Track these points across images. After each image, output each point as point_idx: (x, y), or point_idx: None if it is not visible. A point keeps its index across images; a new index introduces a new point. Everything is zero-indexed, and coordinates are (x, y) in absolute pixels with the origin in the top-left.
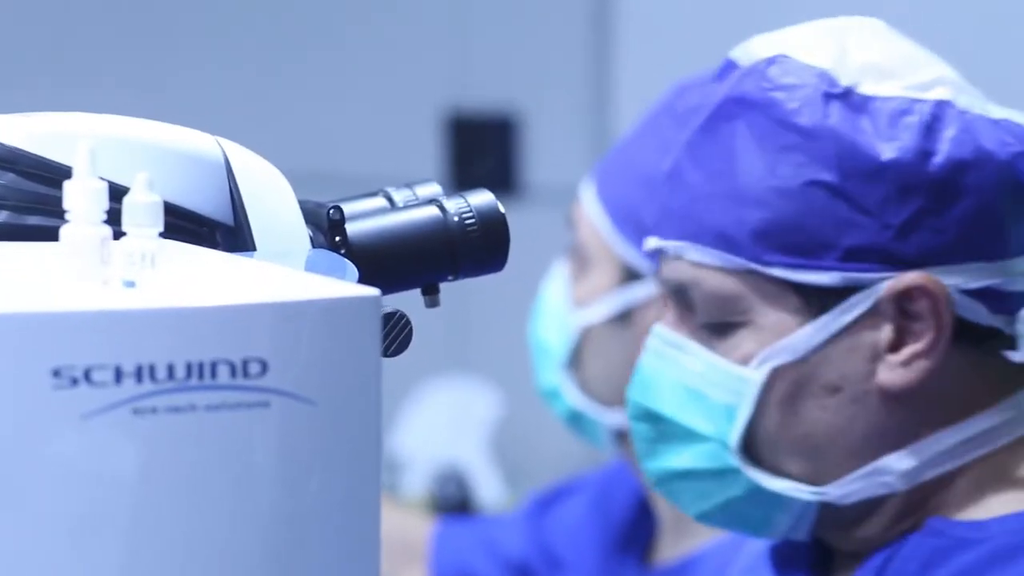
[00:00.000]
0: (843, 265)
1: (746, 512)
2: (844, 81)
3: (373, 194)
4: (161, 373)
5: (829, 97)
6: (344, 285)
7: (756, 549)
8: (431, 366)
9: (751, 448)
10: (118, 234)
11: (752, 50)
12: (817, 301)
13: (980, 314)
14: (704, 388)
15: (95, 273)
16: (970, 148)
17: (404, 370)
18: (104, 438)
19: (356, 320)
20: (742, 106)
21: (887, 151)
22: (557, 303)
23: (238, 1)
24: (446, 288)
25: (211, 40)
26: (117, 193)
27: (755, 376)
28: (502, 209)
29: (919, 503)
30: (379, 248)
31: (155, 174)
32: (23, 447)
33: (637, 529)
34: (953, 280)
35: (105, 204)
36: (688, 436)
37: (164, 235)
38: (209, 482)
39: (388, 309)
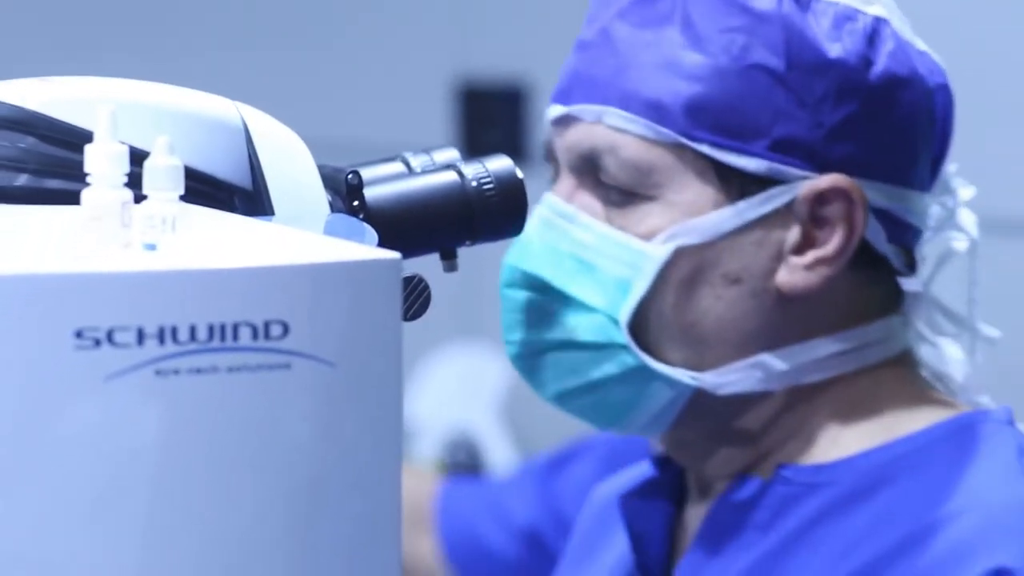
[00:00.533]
0: (770, 154)
1: (613, 394)
2: None
3: (391, 159)
4: (183, 335)
5: None
6: (365, 248)
7: (604, 497)
8: (442, 333)
9: (635, 327)
10: (139, 198)
11: None
12: (737, 186)
13: (879, 237)
14: (597, 260)
15: (116, 236)
16: (906, 67)
17: (415, 336)
18: (127, 400)
19: (377, 283)
20: None
21: (834, 49)
22: None
23: None
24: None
25: (226, 10)
26: (137, 157)
27: (658, 252)
28: (520, 174)
29: (775, 430)
30: (397, 213)
31: (174, 138)
32: (47, 409)
33: None
34: (867, 194)
35: (126, 168)
36: (572, 306)
37: (184, 199)
38: (231, 444)
39: (407, 273)
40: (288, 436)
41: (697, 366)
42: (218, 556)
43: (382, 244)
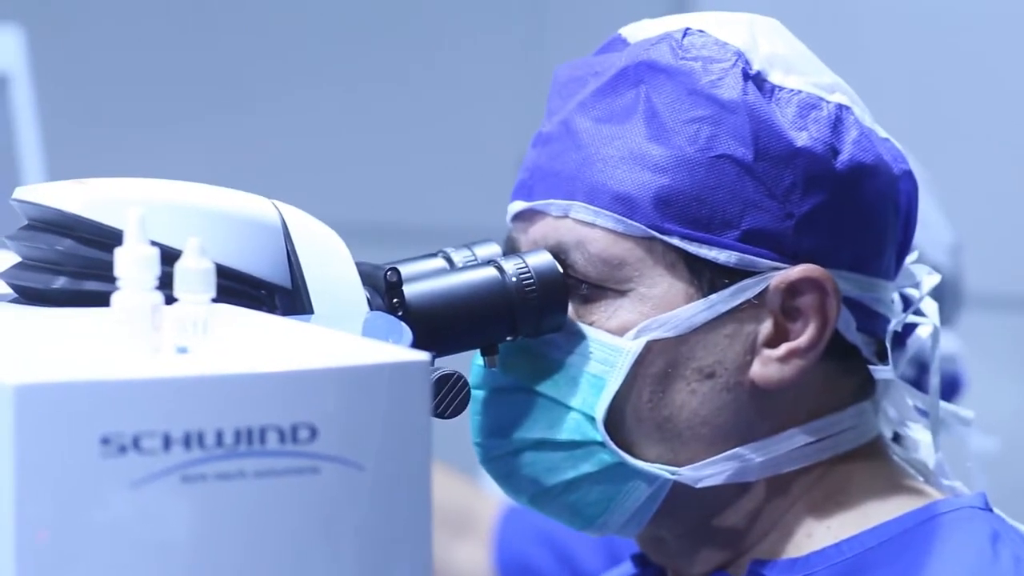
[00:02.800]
0: (740, 246)
1: (591, 493)
2: (756, 66)
3: (433, 255)
4: (210, 439)
5: (746, 76)
6: (394, 349)
7: None
8: None
9: (609, 424)
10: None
11: (645, 27)
12: (708, 278)
13: (849, 327)
14: (567, 357)
15: (147, 340)
16: (871, 155)
17: None
18: (154, 505)
19: (405, 384)
20: (652, 71)
21: (800, 138)
22: None
23: (318, 52)
24: None
25: (299, 96)
26: (174, 258)
27: (630, 347)
28: (560, 269)
29: (752, 526)
30: (437, 310)
31: (213, 238)
32: (74, 515)
33: None
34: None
35: (156, 271)
36: (545, 405)
37: (223, 298)
38: (260, 548)
39: (445, 370)
40: (317, 539)
41: (672, 461)
42: None
43: (423, 340)
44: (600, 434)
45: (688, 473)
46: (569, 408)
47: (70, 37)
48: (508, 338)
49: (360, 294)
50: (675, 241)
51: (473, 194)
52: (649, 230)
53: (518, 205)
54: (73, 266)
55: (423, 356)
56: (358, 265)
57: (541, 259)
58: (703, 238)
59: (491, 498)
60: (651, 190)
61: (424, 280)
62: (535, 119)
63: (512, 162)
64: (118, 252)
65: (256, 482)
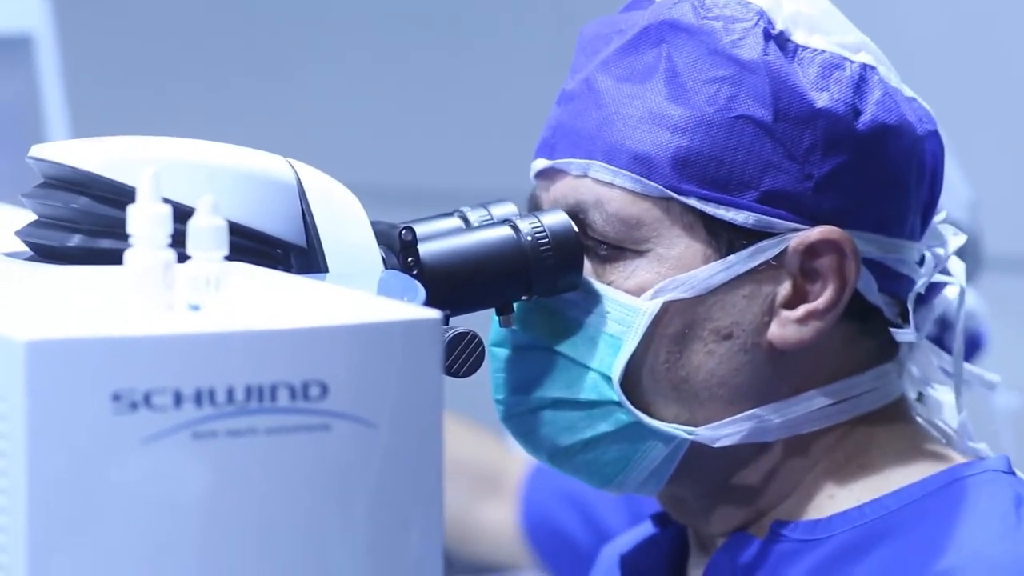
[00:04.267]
0: (759, 207)
1: (608, 452)
2: (779, 25)
3: (448, 214)
4: (221, 396)
5: (768, 36)
6: (406, 307)
7: (610, 556)
8: None
9: (626, 384)
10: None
11: None
12: (726, 240)
13: (871, 288)
14: (585, 316)
15: (160, 297)
16: (895, 115)
17: None
18: (165, 463)
19: (416, 342)
20: (674, 31)
21: (821, 99)
22: None
23: (341, 15)
24: None
25: (333, 60)
26: (188, 216)
27: (647, 307)
28: (575, 228)
29: (771, 486)
30: (451, 268)
31: (228, 196)
32: (86, 472)
33: None
34: (858, 244)
35: (169, 228)
36: (563, 364)
37: (238, 257)
38: (271, 505)
39: (460, 329)
40: (327, 496)
41: (689, 421)
42: None
43: (437, 299)
44: (616, 394)
45: (705, 433)
46: (586, 368)
47: None
48: (523, 297)
49: (375, 253)
50: (693, 202)
51: (491, 156)
52: (667, 191)
53: (540, 163)
54: (88, 224)
55: (435, 314)
56: (373, 224)
57: (556, 218)
58: (721, 199)
59: (518, 457)
60: (669, 150)
61: (439, 239)
62: (554, 80)
63: (530, 123)
64: (131, 209)
65: (267, 439)
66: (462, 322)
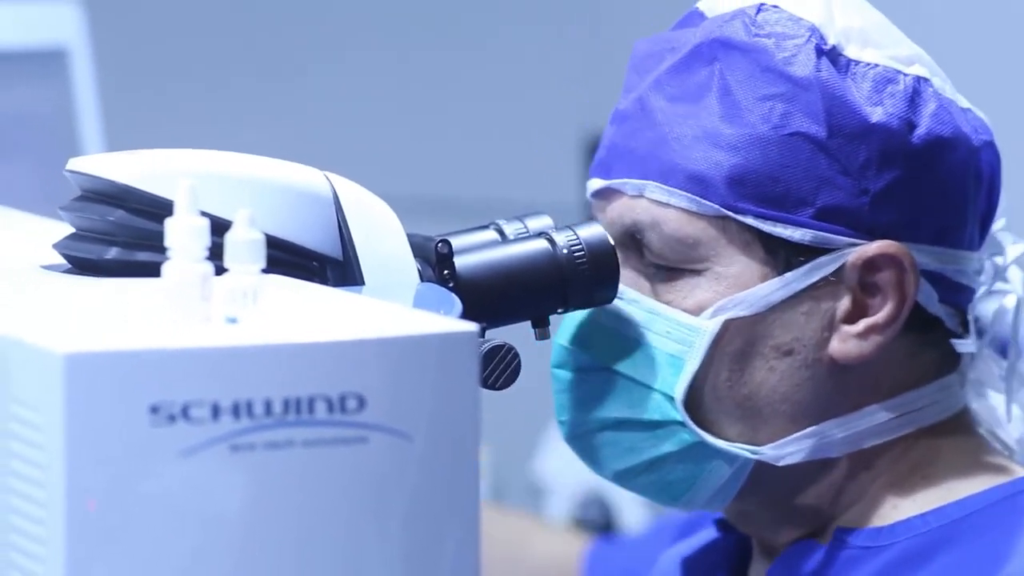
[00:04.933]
0: (815, 223)
1: (673, 472)
2: (831, 40)
3: (484, 227)
4: (259, 409)
5: (820, 52)
6: (442, 320)
7: (671, 560)
8: None
9: (689, 403)
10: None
11: (723, 2)
12: (783, 257)
13: (931, 299)
14: (646, 336)
15: (197, 310)
16: (949, 127)
17: (547, 396)
18: (203, 474)
19: (453, 355)
20: (726, 49)
21: (875, 114)
22: None
23: (374, 23)
24: None
25: (355, 69)
26: (224, 229)
27: (707, 326)
28: (611, 241)
29: (836, 500)
30: (487, 281)
31: (264, 209)
32: (124, 485)
33: None
34: (916, 258)
35: (206, 241)
36: (624, 385)
37: (275, 270)
38: (309, 517)
39: (496, 342)
40: (365, 509)
41: (753, 440)
42: None
43: (473, 312)
44: (680, 414)
45: (769, 452)
46: (649, 388)
47: (129, 11)
48: (559, 310)
49: (411, 266)
50: (749, 220)
51: (528, 169)
52: (723, 209)
53: (596, 183)
54: (125, 237)
55: (472, 327)
56: (409, 237)
57: (592, 231)
58: (777, 216)
59: (569, 544)
60: (724, 169)
61: (475, 252)
62: (593, 93)
63: (568, 137)
64: (168, 222)
65: (305, 451)
66: (499, 335)
